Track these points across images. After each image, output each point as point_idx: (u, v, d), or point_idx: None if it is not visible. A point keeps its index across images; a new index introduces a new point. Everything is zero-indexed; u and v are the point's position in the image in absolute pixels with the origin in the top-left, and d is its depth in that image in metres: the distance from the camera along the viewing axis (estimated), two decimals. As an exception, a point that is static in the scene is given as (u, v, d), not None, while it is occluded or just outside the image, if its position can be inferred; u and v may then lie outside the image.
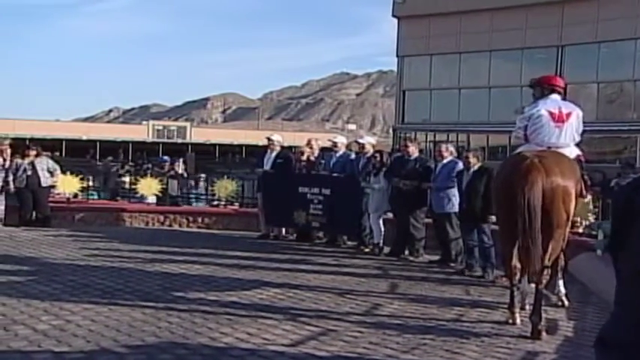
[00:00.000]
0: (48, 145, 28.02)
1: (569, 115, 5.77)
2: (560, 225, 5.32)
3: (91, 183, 15.13)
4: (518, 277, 5.52)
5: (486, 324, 5.47)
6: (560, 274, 6.25)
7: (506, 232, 5.51)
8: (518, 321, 5.41)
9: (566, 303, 6.24)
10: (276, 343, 4.60)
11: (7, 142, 11.47)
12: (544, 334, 5.08)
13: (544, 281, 5.30)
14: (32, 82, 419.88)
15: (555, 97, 5.90)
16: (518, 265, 5.43)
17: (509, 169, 5.45)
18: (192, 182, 15.07)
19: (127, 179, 17.69)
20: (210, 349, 4.43)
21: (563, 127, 5.71)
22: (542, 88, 5.93)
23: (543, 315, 5.21)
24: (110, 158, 35.52)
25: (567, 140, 5.77)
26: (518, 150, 5.86)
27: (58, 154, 44.34)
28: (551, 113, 5.70)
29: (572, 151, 5.86)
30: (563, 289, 6.30)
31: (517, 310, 5.51)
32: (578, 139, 5.94)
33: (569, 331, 5.44)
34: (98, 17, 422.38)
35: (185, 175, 14.54)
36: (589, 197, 9.15)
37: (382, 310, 5.88)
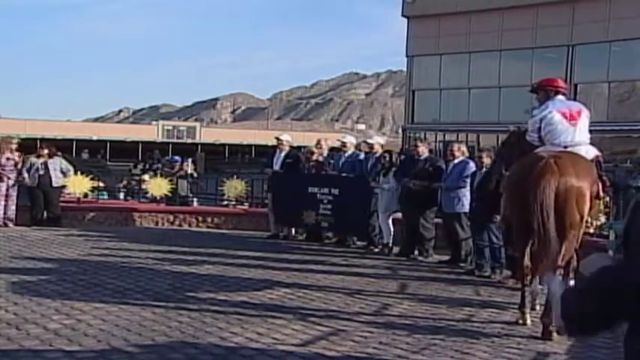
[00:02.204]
0: (62, 146, 28.13)
1: (579, 112, 5.79)
2: (573, 226, 5.29)
3: (101, 184, 15.16)
4: (529, 277, 5.50)
5: (496, 324, 5.46)
6: (571, 275, 6.20)
7: (519, 232, 5.50)
8: (528, 321, 5.39)
9: None
10: (286, 343, 4.60)
11: (15, 140, 11.36)
12: (555, 334, 5.06)
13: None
14: (43, 83, 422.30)
15: (561, 97, 5.90)
16: (530, 265, 5.41)
17: (524, 170, 5.43)
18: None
19: (137, 179, 17.73)
20: (220, 348, 4.44)
21: (577, 125, 5.70)
22: (546, 91, 5.94)
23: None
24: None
25: (583, 138, 5.76)
26: (537, 151, 5.82)
27: (87, 154, 44.48)
28: (562, 113, 5.70)
29: (590, 151, 5.82)
30: None
31: (528, 310, 5.49)
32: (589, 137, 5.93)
33: (580, 332, 5.40)
34: (108, 18, 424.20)
35: (195, 175, 14.56)
36: (606, 198, 9.09)
37: (392, 310, 5.88)
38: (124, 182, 18.19)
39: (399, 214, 9.37)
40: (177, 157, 15.98)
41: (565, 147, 5.64)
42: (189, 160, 14.98)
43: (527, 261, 5.44)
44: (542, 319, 5.16)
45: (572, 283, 6.14)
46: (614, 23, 24.51)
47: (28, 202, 11.13)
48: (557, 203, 5.13)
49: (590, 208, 5.50)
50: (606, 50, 25.47)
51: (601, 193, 5.73)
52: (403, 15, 31.68)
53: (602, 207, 9.12)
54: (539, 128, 5.74)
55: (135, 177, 19.44)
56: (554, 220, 5.08)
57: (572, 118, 5.70)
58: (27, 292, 5.85)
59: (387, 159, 9.32)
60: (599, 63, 25.91)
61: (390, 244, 9.17)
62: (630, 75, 25.93)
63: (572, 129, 5.68)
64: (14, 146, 11.04)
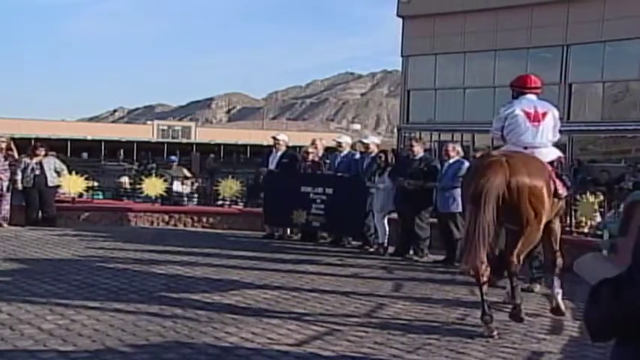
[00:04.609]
0: (57, 146, 28.03)
1: (545, 114, 5.73)
2: (529, 222, 5.22)
3: (96, 183, 15.12)
4: (485, 278, 5.27)
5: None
6: (557, 279, 5.83)
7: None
8: (494, 333, 5.03)
9: (563, 309, 5.77)
10: (281, 343, 4.60)
11: (4, 138, 11.15)
12: (523, 315, 5.15)
13: (515, 269, 5.33)
14: (37, 83, 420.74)
15: (531, 96, 5.87)
16: (484, 265, 5.23)
17: (476, 169, 5.45)
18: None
19: (125, 179, 17.65)
20: (215, 348, 4.43)
21: (539, 127, 5.67)
22: (519, 88, 5.94)
23: (545, 306, 5.17)
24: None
25: (544, 140, 5.72)
26: (495, 152, 5.86)
27: (117, 154, 44.03)
28: (526, 113, 5.68)
29: (551, 152, 5.79)
30: (559, 296, 5.80)
31: (490, 319, 5.10)
32: (556, 137, 5.89)
33: (575, 331, 5.42)
34: (103, 17, 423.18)
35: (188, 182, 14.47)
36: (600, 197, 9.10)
37: (387, 310, 5.88)
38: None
39: (394, 214, 9.38)
40: (173, 157, 15.92)
41: (525, 148, 5.62)
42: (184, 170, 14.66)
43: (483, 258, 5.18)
44: (511, 301, 5.26)
45: (557, 282, 6.02)
46: (608, 24, 24.58)
47: (22, 202, 11.08)
48: (511, 200, 5.09)
49: (546, 205, 5.35)
50: (601, 50, 25.54)
51: (563, 192, 5.67)
52: (398, 15, 31.69)
53: (596, 207, 9.20)
54: (503, 127, 5.75)
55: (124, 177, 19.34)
56: (493, 211, 4.94)
57: (535, 120, 5.67)
58: (21, 292, 5.83)
59: (383, 159, 9.33)
60: (593, 63, 25.97)
61: (386, 244, 9.18)
62: (624, 75, 26.00)
63: (534, 130, 5.65)
64: (3, 145, 10.88)
